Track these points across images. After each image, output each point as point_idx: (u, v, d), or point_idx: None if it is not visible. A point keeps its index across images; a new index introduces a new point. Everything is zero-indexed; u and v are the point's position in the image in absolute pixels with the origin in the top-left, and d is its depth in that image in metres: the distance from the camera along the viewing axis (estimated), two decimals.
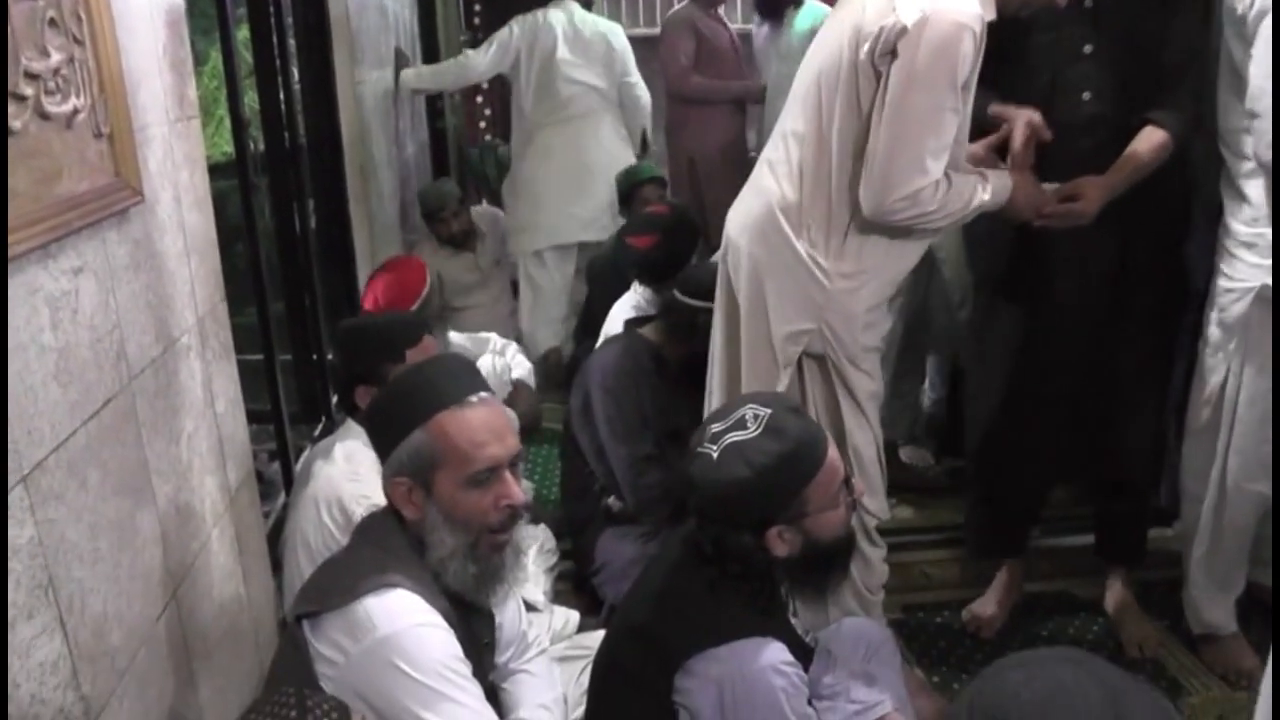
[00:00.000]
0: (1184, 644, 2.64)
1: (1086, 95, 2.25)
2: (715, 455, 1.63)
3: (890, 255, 2.14)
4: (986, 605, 2.77)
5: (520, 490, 1.64)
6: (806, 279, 2.11)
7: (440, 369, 1.71)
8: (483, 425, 1.60)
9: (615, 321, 3.43)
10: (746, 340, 2.22)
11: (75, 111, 1.38)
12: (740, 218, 2.24)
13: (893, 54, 1.93)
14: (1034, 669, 0.96)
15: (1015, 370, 2.50)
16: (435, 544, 1.61)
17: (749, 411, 1.66)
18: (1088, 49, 2.24)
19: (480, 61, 4.56)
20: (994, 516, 2.75)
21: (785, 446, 1.60)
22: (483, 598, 1.67)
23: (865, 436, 2.23)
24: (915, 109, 1.94)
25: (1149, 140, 2.22)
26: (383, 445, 1.66)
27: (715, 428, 1.66)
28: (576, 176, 4.50)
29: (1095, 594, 2.87)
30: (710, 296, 2.78)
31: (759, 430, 1.63)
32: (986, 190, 2.07)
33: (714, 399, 2.36)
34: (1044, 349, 2.45)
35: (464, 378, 1.66)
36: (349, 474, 2.09)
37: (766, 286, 2.15)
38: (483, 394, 1.64)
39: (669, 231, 3.41)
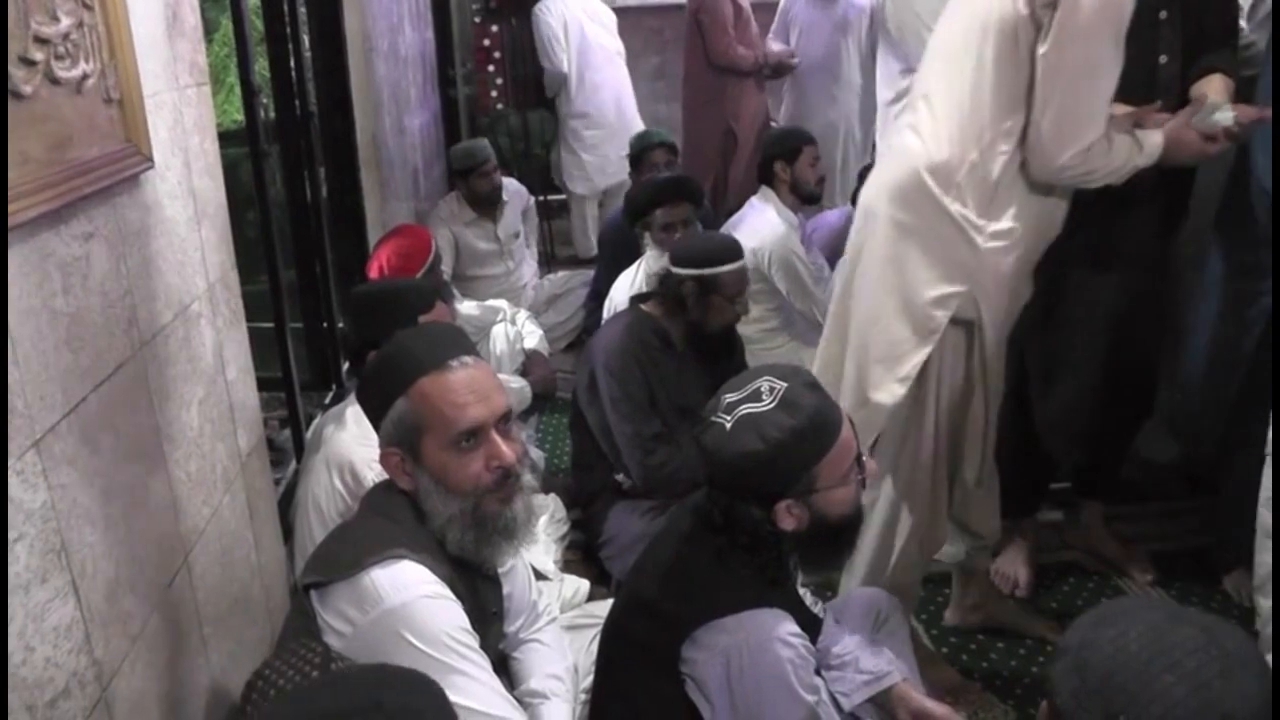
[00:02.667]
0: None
1: (1164, 59, 2.27)
2: (729, 426, 1.61)
3: (1041, 216, 2.13)
4: (1015, 564, 2.80)
5: (510, 449, 1.60)
6: (957, 239, 2.09)
7: (419, 337, 1.69)
8: (463, 387, 1.58)
9: (619, 292, 3.44)
10: (874, 313, 2.19)
11: (85, 77, 1.37)
12: (879, 184, 2.21)
13: (1053, 5, 1.90)
14: (1122, 623, 0.95)
15: (1108, 337, 2.49)
16: (431, 512, 1.61)
17: (765, 384, 1.64)
18: (1163, 14, 2.26)
19: (558, 63, 5.52)
20: (1028, 475, 2.76)
21: (799, 421, 1.59)
22: (486, 560, 1.66)
23: (981, 410, 2.23)
24: (1083, 61, 1.92)
25: (1223, 80, 2.23)
26: (373, 420, 1.66)
27: (730, 398, 1.65)
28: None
29: (1100, 566, 2.90)
30: (700, 264, 2.78)
31: (774, 403, 1.61)
32: (1141, 153, 2.06)
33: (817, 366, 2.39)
34: (1137, 311, 2.47)
35: (445, 343, 1.64)
36: (360, 439, 2.09)
37: (910, 252, 2.12)
38: (465, 358, 1.62)
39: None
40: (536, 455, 3.47)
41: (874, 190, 2.22)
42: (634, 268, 3.49)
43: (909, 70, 3.35)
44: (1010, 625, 2.69)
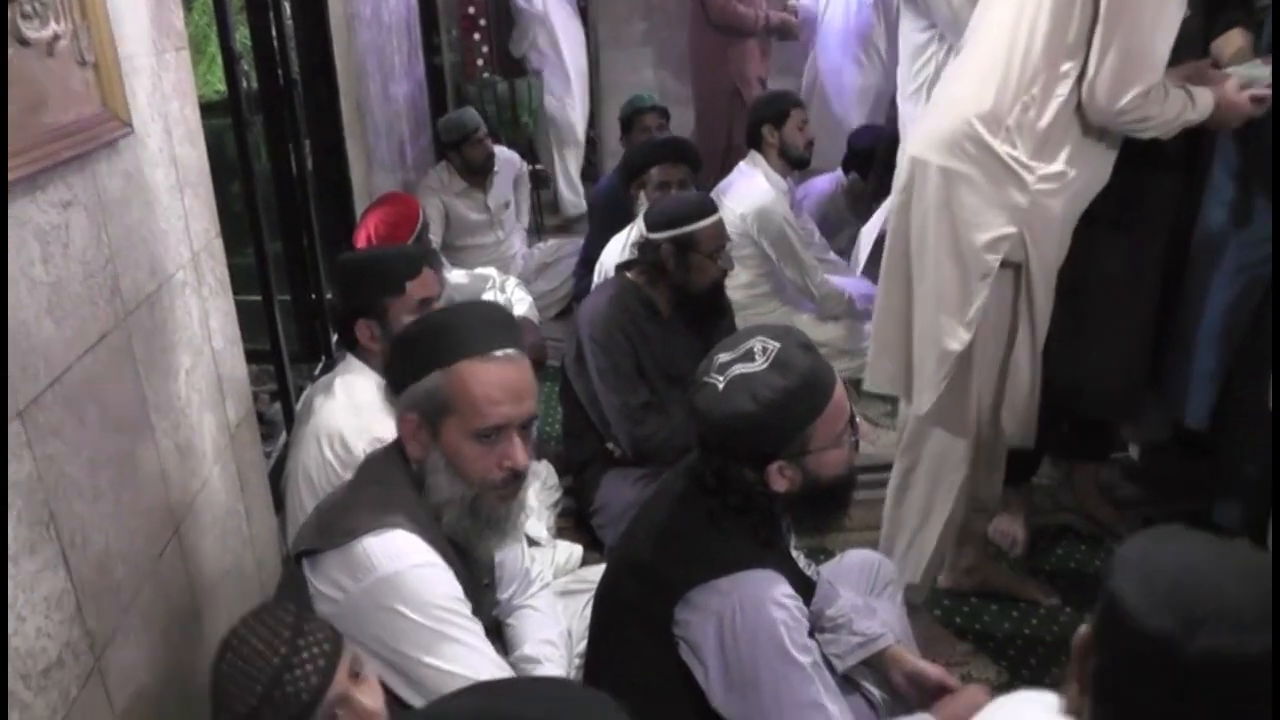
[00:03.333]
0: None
1: (1187, 13, 2.26)
2: (721, 386, 1.60)
3: (1092, 161, 2.14)
4: (1014, 525, 2.84)
5: (525, 454, 1.61)
6: (1007, 180, 2.11)
7: (476, 314, 1.67)
8: (501, 382, 1.58)
9: (610, 256, 3.42)
10: (933, 261, 2.21)
11: (56, 38, 1.34)
12: (926, 136, 2.23)
13: None
14: (1172, 544, 0.97)
15: (1126, 299, 2.50)
16: (434, 487, 1.60)
17: (758, 344, 1.62)
18: None
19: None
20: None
21: (792, 382, 1.57)
22: (477, 548, 1.66)
23: (1027, 354, 2.24)
24: (1145, 3, 1.93)
25: (1243, 35, 2.26)
26: (400, 376, 1.64)
27: (723, 358, 1.63)
28: None
29: (1093, 529, 2.92)
30: (674, 225, 2.76)
31: (767, 364, 1.59)
32: (1194, 108, 2.06)
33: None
34: (1150, 274, 2.49)
35: (497, 330, 1.62)
36: (350, 409, 2.08)
37: (960, 198, 2.15)
38: (511, 351, 1.61)
39: None
40: None
41: (922, 142, 2.24)
42: (625, 231, 3.47)
43: (930, 27, 3.34)
44: (1004, 588, 2.70)
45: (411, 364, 1.61)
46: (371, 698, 1.37)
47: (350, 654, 1.37)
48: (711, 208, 2.82)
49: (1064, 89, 2.04)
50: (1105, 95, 1.99)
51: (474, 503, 1.60)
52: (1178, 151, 2.27)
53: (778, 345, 1.61)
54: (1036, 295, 2.19)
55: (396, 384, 1.66)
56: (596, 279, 3.45)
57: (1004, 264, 2.17)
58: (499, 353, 1.59)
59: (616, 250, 3.44)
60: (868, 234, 3.99)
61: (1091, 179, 2.16)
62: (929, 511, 2.42)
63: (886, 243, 2.38)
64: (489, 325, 1.63)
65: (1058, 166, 2.10)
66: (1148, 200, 2.39)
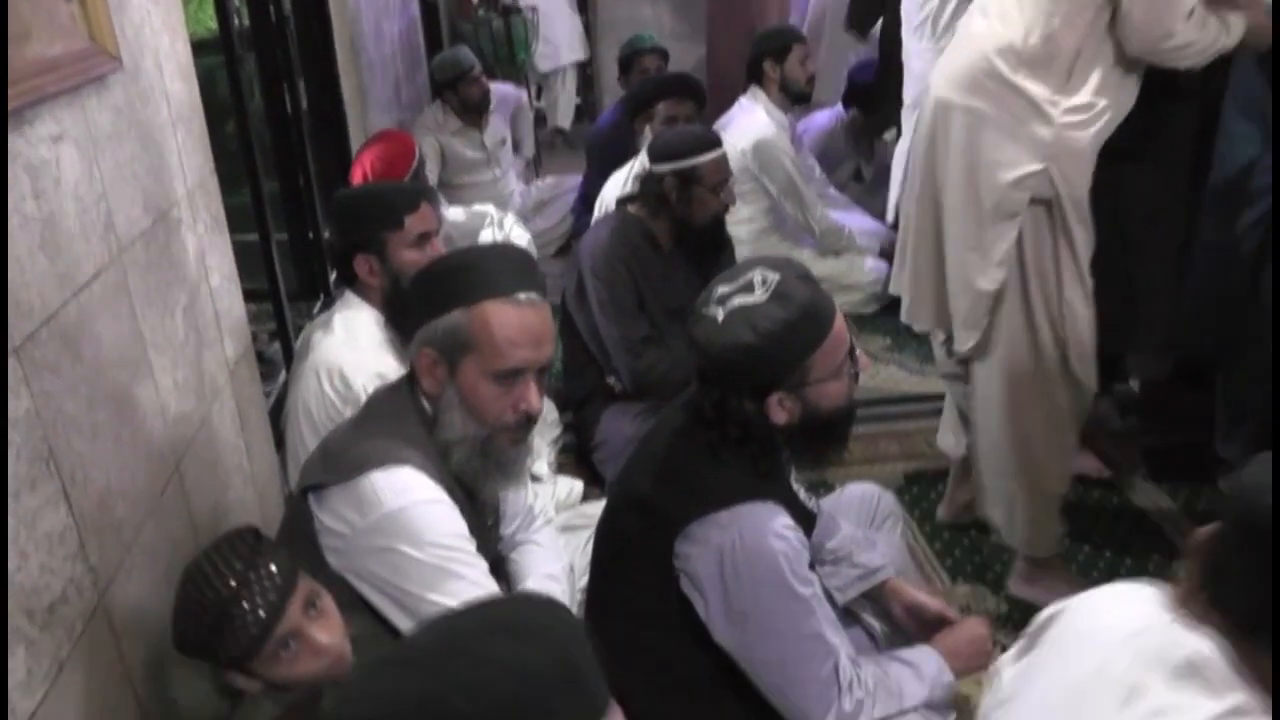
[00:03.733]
0: None
1: None
2: (720, 318, 1.59)
3: (1119, 89, 2.11)
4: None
5: (539, 399, 1.62)
6: (1031, 116, 2.09)
7: (501, 256, 1.67)
8: (523, 325, 1.58)
9: (610, 192, 3.40)
10: (960, 201, 2.19)
11: None
12: (947, 74, 2.21)
13: None
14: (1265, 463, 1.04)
15: (1161, 233, 2.47)
16: (446, 424, 1.61)
17: (758, 275, 1.61)
18: None
19: None
20: None
21: (791, 313, 1.57)
22: (484, 489, 1.67)
23: (1078, 292, 2.21)
24: None
25: None
26: (420, 311, 1.63)
27: (722, 290, 1.62)
28: None
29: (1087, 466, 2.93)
30: (678, 157, 2.74)
31: (767, 295, 1.58)
32: (1228, 34, 2.03)
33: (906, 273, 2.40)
34: (1166, 209, 2.45)
35: (522, 274, 1.63)
36: (349, 344, 2.08)
37: (984, 137, 2.13)
38: (534, 295, 1.61)
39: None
40: None
41: (942, 81, 2.21)
42: (626, 167, 3.45)
43: None
44: None
45: (433, 300, 1.61)
46: (327, 633, 1.37)
47: (306, 588, 1.38)
48: (716, 142, 2.80)
49: (1087, 18, 2.01)
50: (1144, 25, 1.96)
51: (485, 443, 1.61)
52: (1191, 83, 2.23)
53: (777, 277, 1.60)
54: (1074, 230, 2.16)
55: (412, 318, 1.65)
56: (597, 214, 3.44)
57: (1035, 201, 2.14)
58: (522, 296, 1.59)
59: (617, 186, 3.42)
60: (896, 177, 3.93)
61: (1120, 107, 2.13)
62: (1018, 477, 2.40)
63: (913, 185, 2.35)
64: (514, 268, 1.63)
65: (1085, 97, 2.07)
66: (1164, 132, 2.36)
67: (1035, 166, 2.10)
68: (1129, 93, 2.12)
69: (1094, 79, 2.06)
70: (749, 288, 1.60)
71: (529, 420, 1.62)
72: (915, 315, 2.46)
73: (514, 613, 0.86)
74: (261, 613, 1.31)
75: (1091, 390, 2.32)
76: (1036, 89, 2.07)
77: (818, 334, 1.60)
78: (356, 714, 0.79)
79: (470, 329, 1.57)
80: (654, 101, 3.48)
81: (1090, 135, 2.09)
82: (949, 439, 2.68)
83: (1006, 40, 2.08)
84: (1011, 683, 1.28)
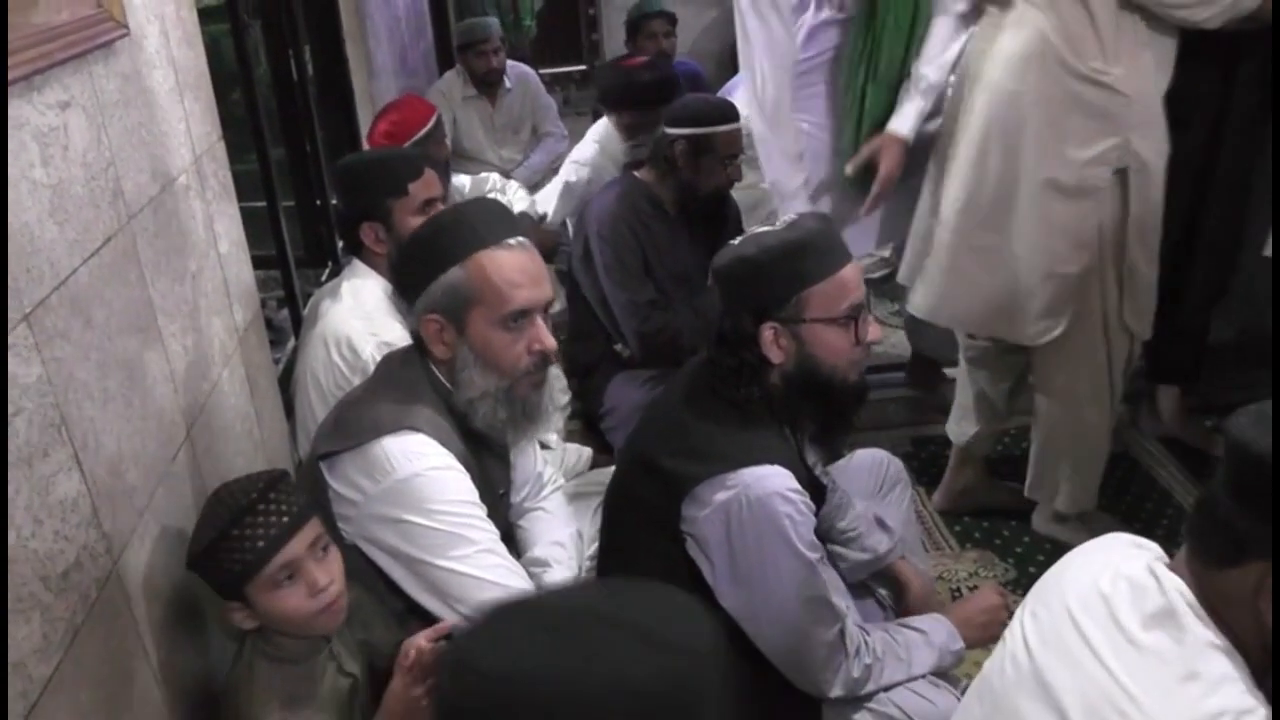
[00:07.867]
0: None
1: None
2: (737, 242, 1.69)
3: (1159, 51, 2.13)
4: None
5: (550, 336, 1.64)
6: (1096, 93, 2.10)
7: (480, 210, 1.69)
8: (519, 268, 1.60)
9: (584, 148, 3.53)
10: (1030, 190, 2.19)
11: None
12: (996, 57, 2.19)
13: None
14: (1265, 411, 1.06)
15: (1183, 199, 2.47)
16: (465, 383, 1.61)
17: (787, 218, 1.72)
18: None
19: None
20: None
21: (795, 236, 1.63)
22: (512, 438, 1.70)
23: (1145, 254, 2.24)
24: None
25: None
26: (416, 280, 1.64)
27: (752, 229, 1.72)
28: None
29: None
30: (694, 124, 2.71)
31: (782, 226, 1.67)
32: None
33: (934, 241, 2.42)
34: (1212, 172, 2.48)
35: (504, 221, 1.65)
36: (357, 312, 2.08)
37: (1042, 121, 2.14)
38: (522, 239, 1.63)
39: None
40: None
41: (999, 69, 2.19)
42: (597, 126, 3.56)
43: None
44: (1002, 507, 2.71)
45: (427, 264, 1.62)
46: (324, 573, 1.40)
47: (317, 530, 1.42)
48: (734, 114, 2.79)
49: None
50: None
51: (508, 393, 1.62)
52: (1213, 45, 2.22)
53: (799, 217, 1.71)
54: (1152, 194, 2.18)
55: (411, 287, 1.66)
56: (565, 173, 3.52)
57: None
58: (511, 241, 1.61)
59: (588, 142, 3.52)
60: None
61: (1163, 67, 2.15)
62: (1071, 437, 2.43)
63: (960, 182, 2.31)
64: (495, 218, 1.65)
65: (1127, 62, 2.09)
66: (1192, 93, 2.35)
67: (1113, 140, 2.12)
68: (1167, 52, 2.13)
69: (1129, 42, 2.08)
70: (772, 223, 1.70)
71: (545, 360, 1.64)
72: (954, 316, 2.48)
73: (660, 620, 0.83)
74: (272, 530, 1.36)
75: (1144, 337, 2.35)
76: (1096, 65, 2.08)
77: (819, 269, 1.63)
78: (498, 665, 0.78)
79: (470, 282, 1.58)
80: (622, 108, 3.37)
81: (1153, 94, 2.11)
82: (961, 428, 2.67)
83: (1058, 22, 2.08)
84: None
